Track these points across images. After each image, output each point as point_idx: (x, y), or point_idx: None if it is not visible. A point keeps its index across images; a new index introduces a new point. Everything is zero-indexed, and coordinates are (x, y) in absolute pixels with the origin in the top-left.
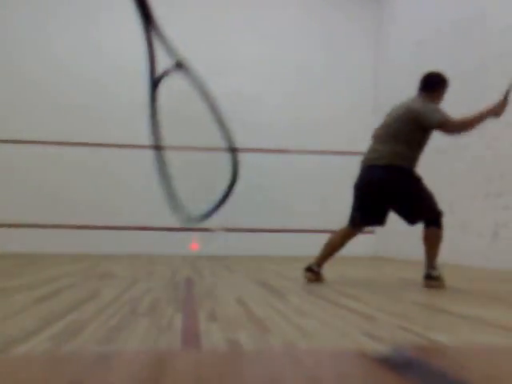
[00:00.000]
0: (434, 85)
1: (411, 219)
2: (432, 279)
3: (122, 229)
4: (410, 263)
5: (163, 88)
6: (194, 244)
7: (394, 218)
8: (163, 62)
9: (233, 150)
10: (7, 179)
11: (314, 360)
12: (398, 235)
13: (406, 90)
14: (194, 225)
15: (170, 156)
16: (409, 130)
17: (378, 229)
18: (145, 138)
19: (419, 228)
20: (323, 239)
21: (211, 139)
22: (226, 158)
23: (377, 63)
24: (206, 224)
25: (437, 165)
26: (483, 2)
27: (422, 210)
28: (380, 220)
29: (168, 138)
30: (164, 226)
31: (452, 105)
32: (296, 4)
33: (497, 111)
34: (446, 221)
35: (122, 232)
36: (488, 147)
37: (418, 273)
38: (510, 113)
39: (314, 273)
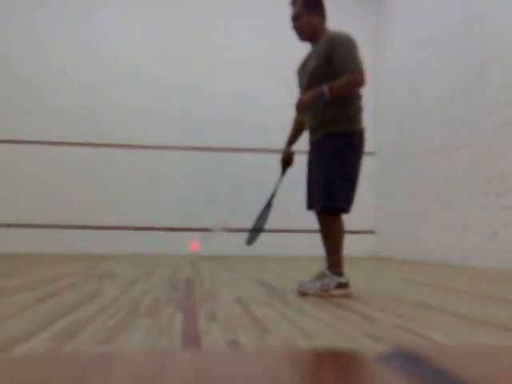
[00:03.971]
0: None
1: None
2: None
3: (122, 229)
4: (410, 263)
5: (167, 88)
6: (194, 244)
7: (394, 218)
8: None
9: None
10: (7, 179)
11: (314, 360)
12: (398, 235)
13: (406, 90)
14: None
15: (173, 156)
16: None
17: (378, 229)
18: (145, 138)
19: (419, 228)
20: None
21: (213, 139)
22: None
23: (377, 63)
24: (206, 224)
25: (437, 165)
26: (483, 2)
27: None
28: None
29: (173, 137)
30: (164, 225)
31: (452, 104)
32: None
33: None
34: (446, 221)
35: (122, 232)
36: (488, 147)
37: (418, 273)
38: (510, 113)
39: None
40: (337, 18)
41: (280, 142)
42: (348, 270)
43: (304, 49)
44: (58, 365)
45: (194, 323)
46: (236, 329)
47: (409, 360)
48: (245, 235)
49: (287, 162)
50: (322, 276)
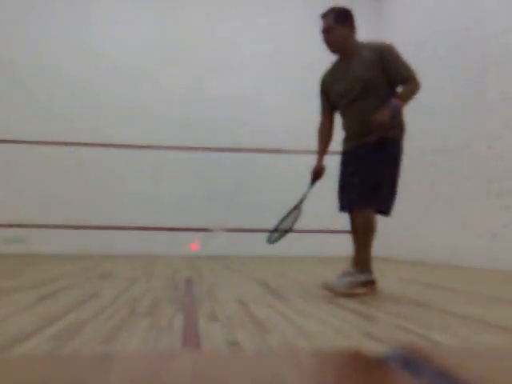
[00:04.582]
0: None
1: None
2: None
3: (122, 229)
4: (410, 263)
5: (165, 89)
6: (194, 244)
7: (394, 218)
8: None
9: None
10: (7, 179)
11: (314, 360)
12: (398, 235)
13: None
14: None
15: (173, 156)
16: None
17: (378, 229)
18: (145, 138)
19: (419, 228)
20: (323, 239)
21: (213, 139)
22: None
23: None
24: (206, 224)
25: (437, 165)
26: (483, 3)
27: None
28: None
29: (173, 138)
30: (164, 226)
31: (452, 104)
32: (296, 4)
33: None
34: (446, 221)
35: (121, 232)
36: (488, 147)
37: (418, 273)
38: (510, 113)
39: None
40: None
41: (280, 142)
42: None
43: (302, 51)
44: (58, 365)
45: (194, 323)
46: (236, 329)
47: (409, 360)
48: (245, 235)
49: (318, 174)
50: (348, 273)
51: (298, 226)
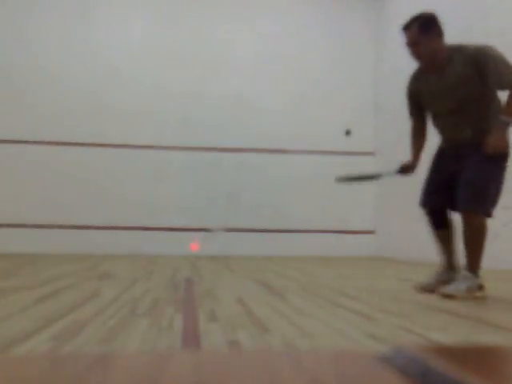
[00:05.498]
0: None
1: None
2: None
3: (122, 229)
4: (410, 263)
5: (166, 90)
6: (194, 244)
7: (394, 218)
8: None
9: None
10: (7, 179)
11: (314, 360)
12: (398, 235)
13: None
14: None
15: (173, 156)
16: None
17: (378, 229)
18: (145, 138)
19: (419, 228)
20: (323, 239)
21: (213, 139)
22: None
23: (377, 63)
24: (206, 224)
25: None
26: (483, 2)
27: None
28: None
29: (172, 138)
30: (164, 226)
31: None
32: (295, 4)
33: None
34: None
35: (122, 232)
36: None
37: (418, 273)
38: None
39: None
40: (337, 19)
41: (280, 142)
42: (348, 270)
43: (302, 51)
44: (58, 365)
45: (194, 323)
46: (236, 329)
47: (409, 360)
48: (245, 235)
49: (407, 169)
50: (465, 278)
51: (298, 226)
